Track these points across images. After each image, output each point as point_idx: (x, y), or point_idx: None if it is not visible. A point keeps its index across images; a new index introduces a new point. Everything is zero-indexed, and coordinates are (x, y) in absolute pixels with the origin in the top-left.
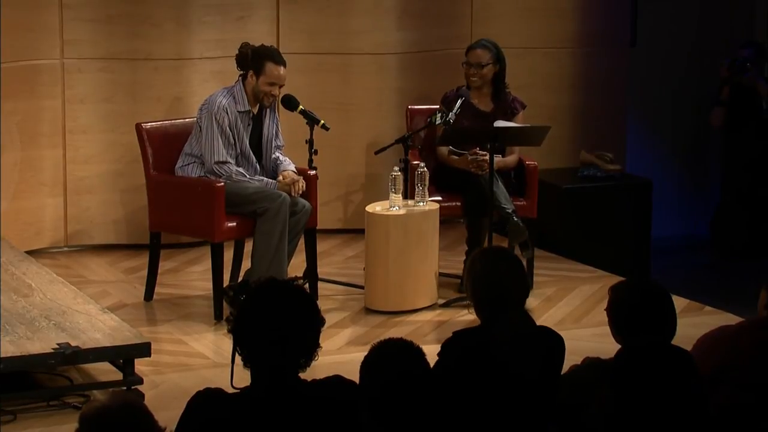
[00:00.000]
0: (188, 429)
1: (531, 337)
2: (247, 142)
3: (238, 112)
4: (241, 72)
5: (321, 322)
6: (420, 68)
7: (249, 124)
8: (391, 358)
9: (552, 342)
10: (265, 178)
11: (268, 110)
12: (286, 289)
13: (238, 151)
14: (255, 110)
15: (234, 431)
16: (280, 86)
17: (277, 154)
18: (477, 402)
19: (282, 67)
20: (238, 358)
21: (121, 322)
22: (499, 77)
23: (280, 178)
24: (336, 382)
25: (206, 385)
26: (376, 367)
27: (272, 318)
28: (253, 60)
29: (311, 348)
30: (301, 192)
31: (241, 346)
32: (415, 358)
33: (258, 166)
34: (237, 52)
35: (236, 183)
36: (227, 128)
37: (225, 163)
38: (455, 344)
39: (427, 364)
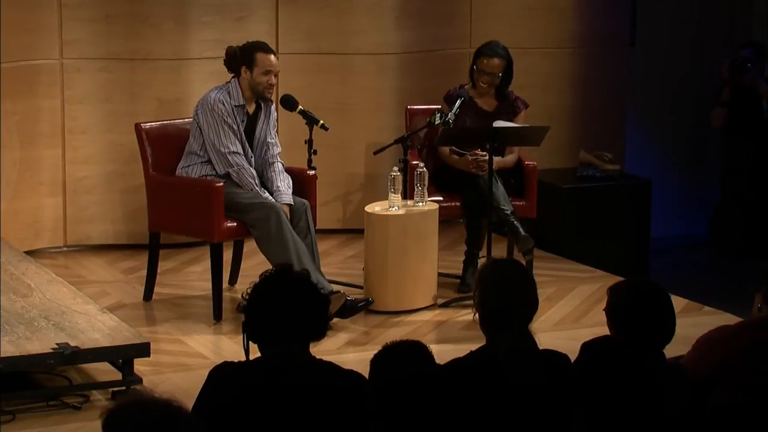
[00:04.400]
0: (211, 399)
1: (537, 356)
2: (244, 137)
3: (233, 105)
4: (233, 74)
5: (327, 302)
6: (419, 68)
7: (243, 121)
8: (401, 359)
9: (558, 366)
10: (266, 193)
11: (262, 113)
12: (292, 275)
13: (239, 141)
14: (251, 109)
15: (253, 399)
16: (276, 74)
17: (275, 168)
18: (479, 421)
19: (272, 55)
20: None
21: (120, 322)
22: (505, 78)
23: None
24: (350, 372)
25: None
26: (386, 366)
27: (283, 310)
28: (243, 55)
29: (321, 326)
30: None
31: (252, 333)
32: (425, 360)
33: (253, 164)
34: (224, 56)
35: (233, 188)
36: (227, 119)
37: (238, 154)
38: (456, 365)
39: (437, 367)
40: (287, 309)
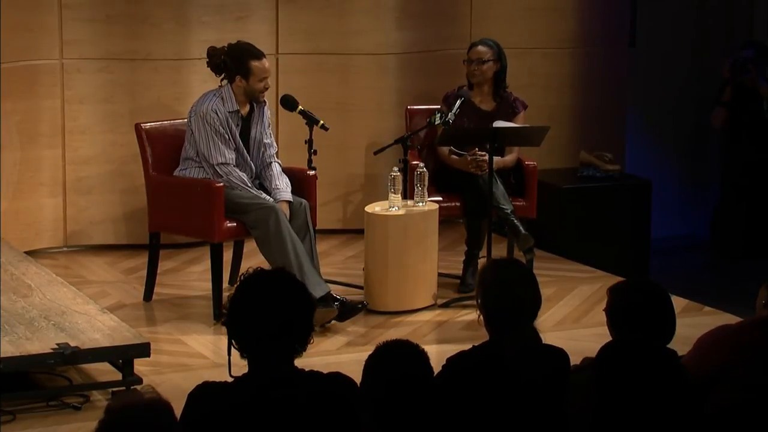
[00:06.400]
0: (190, 420)
1: (540, 352)
2: (240, 141)
3: (228, 112)
4: (221, 76)
5: (313, 306)
6: (419, 68)
7: (238, 125)
8: (394, 359)
9: (559, 361)
10: (263, 194)
11: (256, 114)
12: (276, 277)
13: (234, 147)
14: (245, 112)
15: (234, 421)
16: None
17: (274, 168)
18: (483, 413)
19: (265, 60)
20: (234, 351)
21: (121, 322)
22: (500, 76)
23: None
24: (334, 376)
25: None
26: (380, 366)
27: (264, 306)
28: (235, 64)
29: (305, 333)
30: None
31: (235, 337)
32: (419, 359)
33: (253, 166)
34: (206, 58)
35: (232, 190)
36: (220, 128)
37: (226, 164)
38: (462, 359)
39: (430, 366)
40: (266, 307)
